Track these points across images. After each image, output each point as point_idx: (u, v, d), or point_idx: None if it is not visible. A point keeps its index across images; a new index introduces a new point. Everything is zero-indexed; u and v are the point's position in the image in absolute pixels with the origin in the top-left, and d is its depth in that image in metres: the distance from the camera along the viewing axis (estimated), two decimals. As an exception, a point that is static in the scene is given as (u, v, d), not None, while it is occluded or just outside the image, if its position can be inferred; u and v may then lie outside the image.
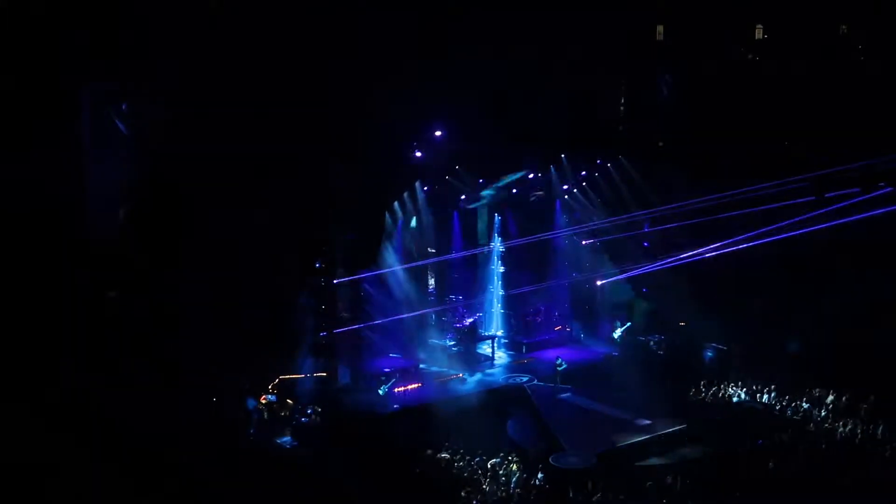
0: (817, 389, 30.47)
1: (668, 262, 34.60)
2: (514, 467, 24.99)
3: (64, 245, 21.53)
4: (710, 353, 34.69)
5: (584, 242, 39.03)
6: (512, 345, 37.08)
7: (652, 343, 36.79)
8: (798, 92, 29.43)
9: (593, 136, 32.46)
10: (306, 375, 30.10)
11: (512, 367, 34.83)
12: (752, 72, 33.03)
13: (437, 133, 30.38)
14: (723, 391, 31.72)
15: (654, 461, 26.62)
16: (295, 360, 30.07)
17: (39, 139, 21.20)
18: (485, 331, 36.84)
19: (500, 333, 37.37)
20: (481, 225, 37.63)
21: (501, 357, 36.08)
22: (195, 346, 25.01)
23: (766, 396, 30.86)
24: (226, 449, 22.41)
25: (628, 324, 37.63)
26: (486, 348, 35.71)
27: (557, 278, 39.12)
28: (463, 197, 34.14)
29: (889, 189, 26.09)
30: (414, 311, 34.64)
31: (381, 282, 34.16)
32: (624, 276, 37.84)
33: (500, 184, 35.36)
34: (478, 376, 33.64)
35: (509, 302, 37.84)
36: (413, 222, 34.57)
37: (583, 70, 31.05)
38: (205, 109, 24.75)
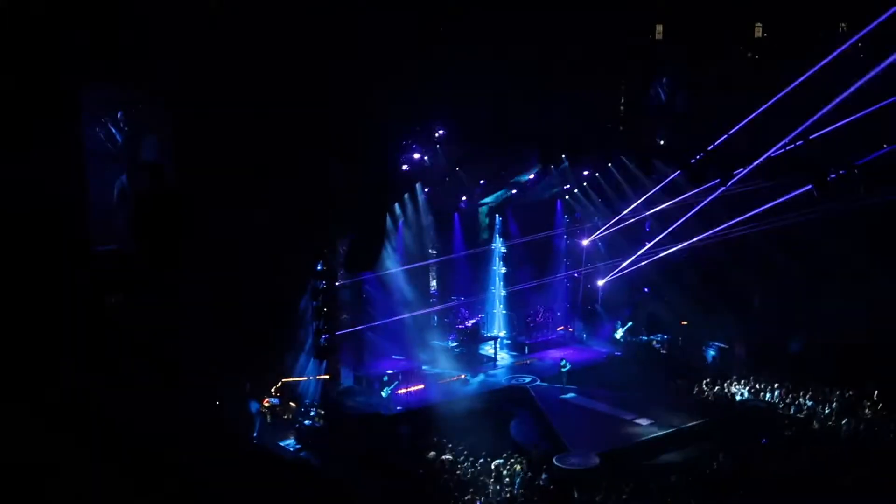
0: (820, 387, 30.45)
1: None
2: (518, 468, 24.95)
3: (64, 245, 21.50)
4: (712, 352, 34.72)
5: (584, 242, 39.05)
6: (514, 346, 37.09)
7: (654, 342, 36.83)
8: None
9: (593, 136, 32.41)
10: (309, 378, 30.08)
11: (514, 368, 34.82)
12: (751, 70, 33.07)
13: (439, 133, 30.33)
14: (726, 390, 31.71)
15: (657, 460, 26.60)
16: (297, 362, 30.06)
17: (39, 139, 21.16)
18: (487, 332, 36.84)
19: (502, 334, 37.39)
20: (482, 225, 37.63)
21: (504, 358, 36.08)
22: (197, 348, 24.96)
23: (769, 395, 30.84)
24: (228, 451, 22.36)
25: (629, 324, 37.67)
26: (488, 349, 35.70)
27: (559, 278, 39.15)
28: (464, 198, 34.14)
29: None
30: (416, 313, 34.65)
31: (382, 283, 34.18)
32: (622, 271, 37.96)
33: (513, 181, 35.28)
34: (480, 377, 33.64)
35: (511, 302, 37.85)
36: (413, 223, 34.57)
37: (582, 70, 31.02)
38: (204, 110, 24.73)
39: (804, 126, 25.75)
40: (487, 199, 36.31)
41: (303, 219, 27.95)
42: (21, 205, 20.64)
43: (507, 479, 24.31)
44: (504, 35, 29.49)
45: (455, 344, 34.70)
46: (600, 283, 39.25)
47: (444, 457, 25.60)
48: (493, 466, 25.00)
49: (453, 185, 32.79)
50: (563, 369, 32.43)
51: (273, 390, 28.93)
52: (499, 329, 37.68)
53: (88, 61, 21.87)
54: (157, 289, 23.48)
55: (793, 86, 25.88)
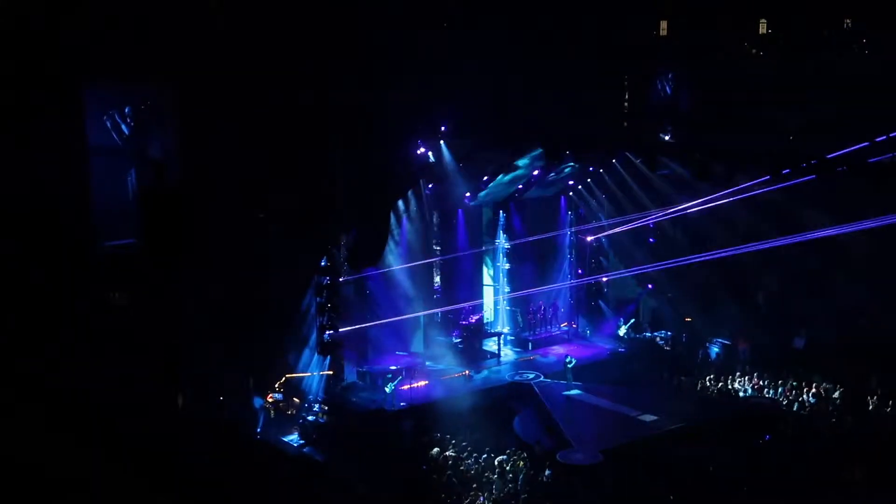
0: (823, 384, 30.45)
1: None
2: (521, 464, 24.97)
3: (66, 241, 21.55)
4: (716, 349, 34.73)
5: (588, 239, 39.06)
6: (518, 342, 37.09)
7: (658, 339, 36.84)
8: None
9: (597, 133, 32.37)
10: (312, 374, 30.11)
11: (518, 365, 34.81)
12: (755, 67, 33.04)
13: (443, 129, 30.31)
14: (729, 386, 31.71)
15: (660, 457, 26.59)
16: (301, 358, 30.09)
17: (41, 136, 21.20)
18: (491, 328, 36.83)
19: (506, 330, 37.39)
20: (486, 221, 37.60)
21: (507, 354, 36.08)
22: (201, 344, 25.02)
23: (772, 391, 30.85)
24: (232, 446, 22.41)
25: (633, 320, 37.68)
26: (491, 345, 35.70)
27: (563, 275, 39.14)
28: (468, 194, 34.11)
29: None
30: (420, 309, 34.65)
31: (385, 279, 34.19)
32: (629, 272, 37.97)
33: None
34: (484, 374, 33.63)
35: (515, 299, 37.86)
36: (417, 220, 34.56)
37: (587, 66, 31.00)
38: (209, 107, 24.77)
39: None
40: (489, 190, 36.21)
41: (307, 215, 27.97)
42: (23, 201, 20.70)
43: (511, 476, 24.33)
44: (508, 30, 29.49)
45: (459, 340, 34.68)
46: (605, 279, 39.27)
47: (447, 453, 25.62)
48: (496, 463, 25.03)
49: (457, 182, 32.73)
50: (569, 366, 32.42)
51: (277, 386, 28.95)
52: (502, 325, 37.66)
53: (91, 56, 21.90)
54: (163, 285, 23.51)
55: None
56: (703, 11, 33.26)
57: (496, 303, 37.96)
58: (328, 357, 30.27)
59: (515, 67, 29.31)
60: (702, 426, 28.15)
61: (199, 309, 25.08)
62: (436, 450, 25.79)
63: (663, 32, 35.17)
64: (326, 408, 28.98)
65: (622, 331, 37.42)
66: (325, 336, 29.82)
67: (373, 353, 33.08)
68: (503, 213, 37.38)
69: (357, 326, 31.97)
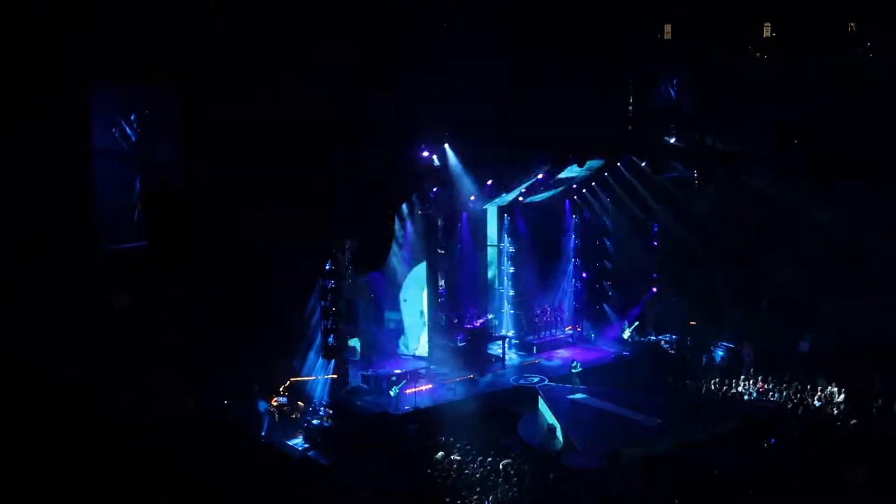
0: (827, 387, 30.40)
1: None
2: (526, 468, 24.96)
3: (69, 244, 21.60)
4: (720, 352, 34.69)
5: (597, 243, 39.14)
6: (522, 345, 37.08)
7: (662, 342, 36.82)
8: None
9: (603, 137, 32.41)
10: (317, 377, 30.14)
11: (522, 368, 34.81)
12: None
13: (447, 132, 30.35)
14: (734, 390, 31.67)
15: (665, 460, 26.56)
16: (305, 361, 30.11)
17: (45, 138, 21.25)
18: (495, 331, 36.83)
19: (510, 334, 37.39)
20: (490, 225, 37.59)
21: (512, 358, 36.07)
22: (206, 348, 25.05)
23: (777, 395, 30.80)
24: (238, 450, 22.45)
25: (636, 323, 37.65)
26: (496, 349, 35.71)
27: (567, 278, 39.14)
28: (472, 198, 34.11)
29: None
30: (424, 313, 34.67)
31: (389, 283, 34.24)
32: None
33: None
34: (489, 377, 33.62)
35: (519, 302, 37.86)
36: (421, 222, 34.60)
37: (590, 70, 31.00)
38: (210, 110, 24.82)
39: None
40: (496, 202, 36.27)
41: (310, 218, 27.98)
42: (25, 201, 20.76)
43: (515, 479, 24.32)
44: (512, 33, 29.51)
45: (463, 344, 34.69)
46: (608, 282, 39.28)
47: (452, 457, 25.62)
48: (501, 466, 25.01)
49: (462, 185, 32.75)
50: (574, 370, 32.40)
51: (281, 390, 28.97)
52: (507, 329, 37.67)
53: (93, 57, 21.95)
54: (170, 288, 23.56)
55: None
56: (706, 14, 33.25)
57: (501, 306, 37.95)
58: (332, 360, 30.28)
59: (519, 70, 29.32)
60: (706, 430, 28.12)
61: (203, 312, 25.11)
62: (440, 453, 25.79)
63: (667, 36, 35.18)
64: (331, 411, 28.99)
65: (626, 334, 37.39)
66: (330, 339, 29.82)
67: (377, 357, 33.10)
68: (508, 216, 37.40)
69: (362, 329, 32.04)
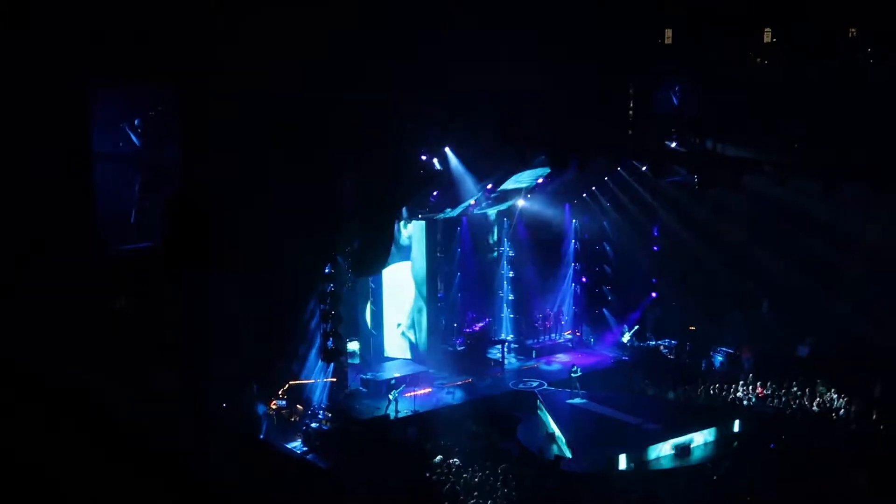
0: (827, 392, 30.38)
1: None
2: (525, 472, 24.93)
3: (70, 245, 21.54)
4: (720, 357, 34.67)
5: (596, 248, 39.13)
6: (522, 350, 37.05)
7: (662, 347, 36.80)
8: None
9: (602, 140, 32.36)
10: (316, 380, 30.10)
11: (522, 372, 34.78)
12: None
13: (446, 136, 30.33)
14: (733, 395, 31.64)
15: (664, 465, 26.57)
16: (304, 365, 30.06)
17: (45, 140, 21.20)
18: (494, 335, 36.81)
19: (510, 338, 37.37)
20: (490, 228, 37.59)
21: (511, 362, 36.04)
22: (205, 350, 24.95)
23: (776, 400, 30.78)
24: (236, 450, 22.38)
25: (636, 328, 37.63)
26: (495, 353, 35.68)
27: (567, 282, 39.13)
28: (472, 202, 34.10)
29: None
30: (424, 316, 34.65)
31: (389, 287, 34.21)
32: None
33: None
34: (488, 381, 33.59)
35: (519, 306, 37.85)
36: (421, 226, 34.56)
37: (590, 74, 30.97)
38: (211, 113, 24.78)
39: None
40: (496, 208, 36.25)
41: (311, 221, 27.93)
42: (28, 205, 20.71)
43: (514, 483, 24.27)
44: (513, 35, 29.47)
45: (463, 348, 34.67)
46: (609, 287, 39.27)
47: (451, 461, 25.58)
48: (499, 470, 24.97)
49: (462, 189, 32.74)
50: (574, 375, 32.39)
51: (280, 393, 28.94)
52: (506, 333, 37.64)
53: (93, 56, 21.91)
54: (171, 289, 23.47)
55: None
56: (707, 20, 33.25)
57: (500, 310, 37.93)
58: (331, 364, 30.24)
59: (520, 72, 29.28)
60: (706, 435, 28.11)
61: (208, 314, 25.01)
62: (439, 457, 25.76)
63: (668, 40, 35.17)
64: (330, 415, 28.96)
65: (626, 338, 37.38)
66: (329, 343, 29.78)
67: (376, 361, 33.07)
68: (507, 220, 37.40)
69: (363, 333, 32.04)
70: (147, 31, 22.48)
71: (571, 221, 38.94)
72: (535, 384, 33.18)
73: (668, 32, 34.82)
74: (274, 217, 26.74)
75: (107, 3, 22.23)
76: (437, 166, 31.14)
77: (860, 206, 28.92)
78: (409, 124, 28.48)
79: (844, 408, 29.47)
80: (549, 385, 33.06)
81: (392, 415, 29.17)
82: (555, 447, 27.71)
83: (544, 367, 35.61)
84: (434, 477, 24.66)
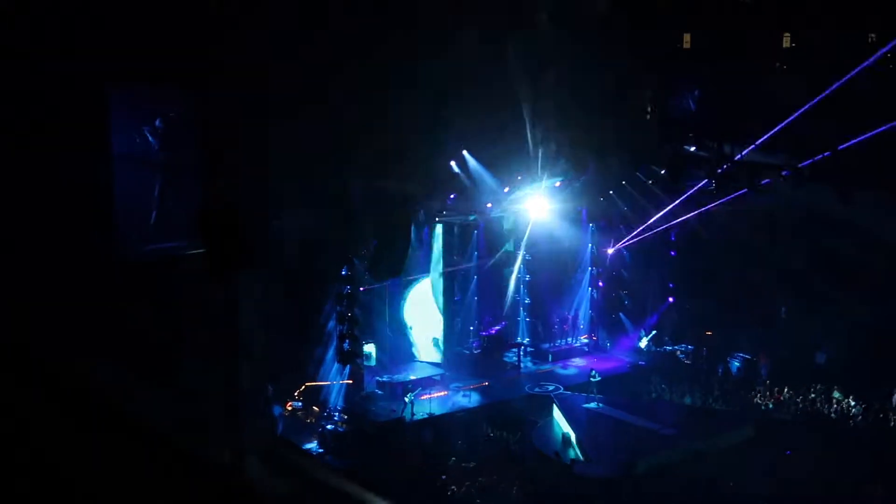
0: (845, 399, 30.23)
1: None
2: (540, 476, 24.94)
3: (89, 247, 21.67)
4: (737, 363, 34.53)
5: (609, 251, 38.95)
6: (538, 353, 37.00)
7: (679, 352, 36.69)
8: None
9: (619, 143, 32.39)
10: (332, 382, 30.17)
11: (538, 376, 34.74)
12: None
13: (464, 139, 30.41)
14: (751, 401, 31.53)
15: (680, 471, 26.47)
16: (321, 366, 30.14)
17: (65, 140, 21.34)
18: (511, 339, 36.77)
19: (526, 342, 37.31)
20: (506, 232, 37.51)
21: (527, 366, 36.00)
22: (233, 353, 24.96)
23: (793, 406, 30.66)
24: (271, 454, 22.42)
25: (654, 333, 37.53)
26: (512, 356, 35.67)
27: (583, 287, 39.05)
28: (489, 205, 34.11)
29: None
30: (440, 319, 34.67)
31: (406, 290, 34.27)
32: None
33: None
34: (504, 385, 33.56)
35: (535, 310, 37.79)
36: (438, 229, 34.60)
37: (610, 79, 30.99)
38: (233, 114, 24.87)
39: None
40: (513, 211, 36.19)
41: (328, 224, 28.02)
42: (46, 207, 20.86)
43: (529, 487, 24.29)
44: (532, 40, 29.52)
45: (479, 351, 34.67)
46: (625, 291, 39.16)
47: (465, 464, 25.61)
48: (514, 474, 24.99)
49: (480, 192, 32.80)
50: (593, 380, 32.32)
51: (296, 394, 29.03)
52: (522, 337, 37.60)
53: (112, 58, 22.05)
54: (180, 293, 23.57)
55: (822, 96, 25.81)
56: (726, 24, 33.21)
57: (516, 314, 37.89)
58: (348, 366, 30.31)
59: (540, 77, 29.33)
60: (723, 440, 28.02)
61: (234, 316, 25.06)
62: (454, 459, 25.78)
63: (686, 45, 35.15)
64: (346, 417, 29.02)
65: (643, 343, 37.28)
66: (345, 345, 29.84)
67: (392, 363, 33.13)
68: (524, 223, 37.31)
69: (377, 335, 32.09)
70: (165, 35, 22.62)
71: (588, 225, 38.83)
72: (551, 388, 33.13)
73: (687, 37, 34.82)
74: (289, 218, 26.83)
75: (124, 8, 22.40)
76: (456, 169, 31.21)
77: (882, 207, 28.72)
78: (424, 125, 28.50)
79: (861, 414, 29.32)
80: (565, 389, 33.02)
81: (408, 417, 29.21)
82: (570, 451, 27.67)
83: (560, 370, 35.56)
84: (449, 480, 24.69)
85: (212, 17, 24.23)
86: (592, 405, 31.29)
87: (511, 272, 37.59)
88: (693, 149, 31.10)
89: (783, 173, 27.90)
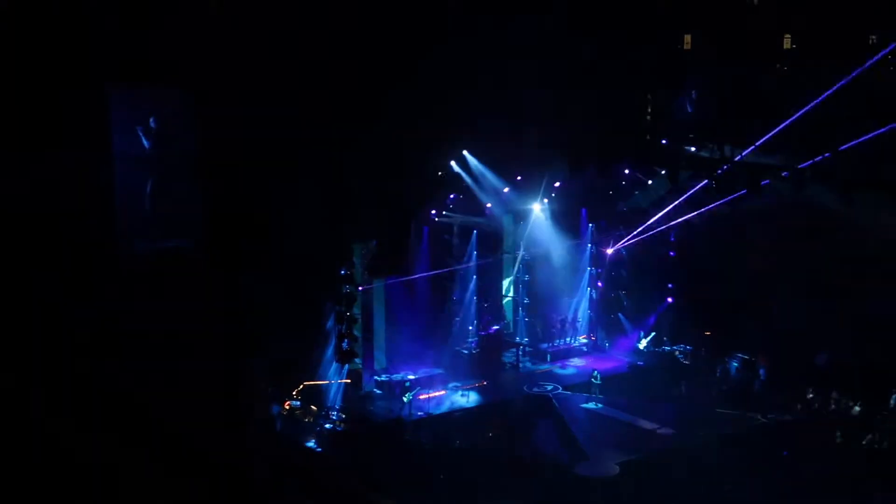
0: (844, 400, 30.23)
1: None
2: (538, 476, 24.96)
3: (90, 246, 21.68)
4: (735, 364, 34.51)
5: (608, 251, 38.92)
6: (536, 353, 36.99)
7: (677, 353, 36.68)
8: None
9: (620, 145, 32.38)
10: (330, 381, 30.16)
11: (536, 376, 34.72)
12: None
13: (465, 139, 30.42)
14: (749, 401, 31.52)
15: (678, 471, 26.47)
16: (319, 365, 30.13)
17: (65, 140, 21.35)
18: (509, 339, 36.78)
19: (524, 341, 37.31)
20: (506, 232, 37.51)
21: (526, 365, 35.98)
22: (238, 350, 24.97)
23: (791, 407, 30.67)
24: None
25: (653, 334, 37.51)
26: (510, 356, 35.66)
27: (582, 287, 39.03)
28: (489, 205, 34.12)
29: None
30: (439, 318, 34.66)
31: (404, 288, 34.19)
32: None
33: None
34: (502, 385, 33.56)
35: (534, 310, 37.80)
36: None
37: (610, 78, 30.97)
38: (230, 112, 24.88)
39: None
40: (513, 211, 36.19)
41: (327, 222, 28.00)
42: (47, 206, 20.86)
43: (528, 487, 24.30)
44: (532, 42, 29.50)
45: (477, 350, 34.66)
46: (623, 291, 39.12)
47: (463, 463, 25.62)
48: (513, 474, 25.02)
49: (480, 191, 32.81)
50: (595, 381, 32.31)
51: (294, 393, 29.00)
52: (521, 336, 37.59)
53: (113, 57, 22.06)
54: (197, 289, 23.53)
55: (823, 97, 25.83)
56: (727, 25, 33.21)
57: (515, 314, 37.90)
58: (346, 365, 30.29)
59: (539, 78, 29.32)
60: (721, 441, 28.03)
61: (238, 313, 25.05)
62: (452, 458, 25.80)
63: (687, 46, 35.14)
64: (344, 416, 29.01)
65: (643, 344, 37.26)
66: (344, 344, 29.82)
67: (391, 363, 33.11)
68: (523, 223, 37.33)
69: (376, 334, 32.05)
70: (164, 35, 22.64)
71: (588, 225, 38.81)
72: (549, 388, 33.13)
73: (688, 38, 34.80)
74: (289, 218, 26.82)
75: (125, 7, 22.43)
76: (456, 169, 31.22)
77: (882, 209, 28.69)
78: (428, 125, 28.50)
79: (860, 415, 29.32)
80: (563, 389, 33.02)
81: (406, 417, 29.21)
82: (569, 451, 27.68)
83: (559, 370, 35.54)
84: (448, 479, 24.71)
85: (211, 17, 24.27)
86: (591, 405, 31.30)
87: (510, 272, 37.62)
88: (693, 149, 31.08)
89: (783, 174, 27.92)
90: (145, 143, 24.54)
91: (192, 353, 21.60)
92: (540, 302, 37.89)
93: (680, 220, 35.31)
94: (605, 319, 39.10)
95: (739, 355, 34.50)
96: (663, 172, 34.16)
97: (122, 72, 23.11)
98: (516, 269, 37.61)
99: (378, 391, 31.68)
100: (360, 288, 30.80)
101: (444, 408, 30.61)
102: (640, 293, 38.92)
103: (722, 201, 31.52)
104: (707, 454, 27.31)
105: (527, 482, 24.61)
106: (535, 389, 33.07)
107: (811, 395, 30.83)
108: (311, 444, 27.88)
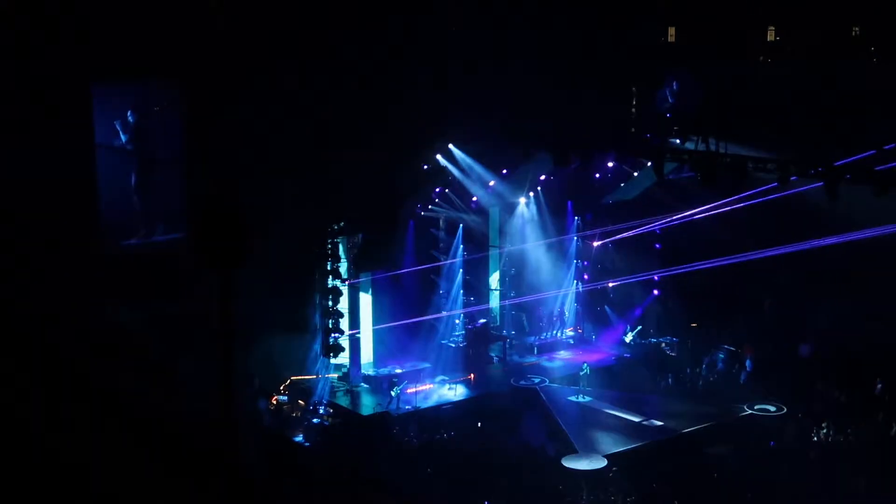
0: (829, 391, 30.39)
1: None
2: (525, 469, 25.01)
3: (72, 241, 21.58)
4: (721, 355, 34.65)
5: (594, 244, 38.98)
6: (523, 346, 37.02)
7: (663, 345, 36.79)
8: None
9: (605, 138, 32.39)
10: (318, 376, 30.13)
11: (523, 369, 34.77)
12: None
13: (452, 132, 30.39)
14: (735, 393, 31.65)
15: (665, 463, 26.61)
16: (306, 360, 30.10)
17: (48, 134, 21.24)
18: (496, 332, 36.80)
19: (511, 335, 37.34)
20: (492, 225, 37.53)
21: (513, 358, 36.02)
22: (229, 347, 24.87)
23: (776, 398, 30.81)
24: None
25: (639, 326, 37.60)
26: (497, 349, 35.69)
27: (569, 280, 39.07)
28: (475, 199, 34.13)
29: None
30: (425, 313, 34.65)
31: (391, 282, 34.17)
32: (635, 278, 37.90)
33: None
34: (489, 378, 33.60)
35: (520, 303, 37.82)
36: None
37: (593, 71, 30.99)
38: (215, 104, 24.82)
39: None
40: (498, 205, 36.17)
41: (313, 217, 27.95)
42: (30, 201, 20.76)
43: (515, 480, 24.35)
44: (516, 36, 29.50)
45: (464, 344, 34.69)
46: (611, 284, 39.18)
47: (450, 456, 25.65)
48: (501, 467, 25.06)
49: (466, 185, 32.82)
50: (583, 373, 32.38)
51: (281, 388, 28.97)
52: (508, 329, 37.62)
53: (97, 53, 21.96)
54: (169, 291, 23.49)
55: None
56: (711, 17, 33.28)
57: (502, 307, 37.92)
58: (333, 360, 30.27)
59: (523, 70, 29.30)
60: (707, 433, 28.16)
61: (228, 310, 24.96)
62: (440, 452, 25.82)
63: (671, 38, 35.19)
64: (331, 410, 29.01)
65: (629, 337, 37.34)
66: (331, 338, 29.79)
67: (378, 357, 33.10)
68: (509, 216, 37.34)
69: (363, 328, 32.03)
70: (149, 30, 22.53)
71: (574, 218, 38.85)
72: (536, 381, 33.20)
73: (672, 30, 34.85)
74: (275, 212, 26.75)
75: (111, 3, 22.32)
76: (443, 162, 31.19)
77: (867, 202, 28.81)
78: (413, 120, 28.46)
79: (845, 406, 29.47)
80: (550, 382, 33.09)
81: (394, 411, 29.23)
82: (556, 443, 27.74)
83: (546, 363, 35.60)
84: (435, 473, 24.73)
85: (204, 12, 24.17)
86: (578, 398, 31.38)
87: (497, 266, 37.64)
88: (678, 142, 31.12)
89: (769, 167, 28.00)
90: (123, 136, 24.48)
91: (176, 348, 21.56)
92: (526, 295, 37.90)
93: (674, 219, 35.42)
94: (592, 312, 39.16)
95: (726, 347, 34.64)
96: (649, 164, 34.18)
97: (104, 66, 23.01)
98: (502, 262, 37.62)
99: (365, 385, 31.68)
100: (346, 282, 30.76)
101: (432, 401, 30.61)
102: (626, 285, 38.98)
103: (721, 201, 31.59)
104: (694, 446, 27.48)
105: (514, 475, 24.64)
106: (523, 382, 33.13)
107: (798, 389, 30.97)
108: (298, 438, 27.87)
